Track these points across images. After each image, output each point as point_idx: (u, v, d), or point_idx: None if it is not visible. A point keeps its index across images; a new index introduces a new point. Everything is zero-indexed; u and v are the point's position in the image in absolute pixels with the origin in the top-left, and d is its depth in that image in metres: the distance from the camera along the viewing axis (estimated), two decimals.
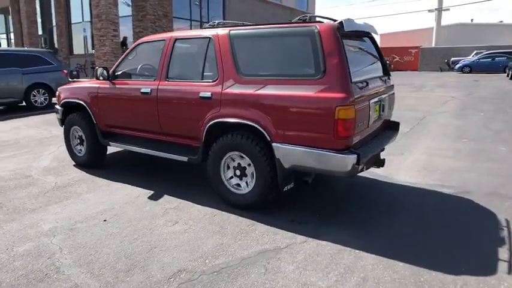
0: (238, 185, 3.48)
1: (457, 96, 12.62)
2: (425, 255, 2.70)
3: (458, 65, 26.22)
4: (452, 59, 28.59)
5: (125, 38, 14.37)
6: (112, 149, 5.06)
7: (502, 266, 2.55)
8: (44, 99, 9.55)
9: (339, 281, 2.40)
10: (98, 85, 4.36)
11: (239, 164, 3.42)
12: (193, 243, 2.89)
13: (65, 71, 9.74)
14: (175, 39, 3.81)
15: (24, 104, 9.53)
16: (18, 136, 6.75)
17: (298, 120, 3.00)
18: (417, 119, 8.17)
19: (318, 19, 3.29)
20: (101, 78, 4.28)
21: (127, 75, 4.21)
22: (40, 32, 19.49)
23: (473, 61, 25.45)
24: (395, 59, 33.48)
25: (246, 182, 3.42)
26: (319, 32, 2.96)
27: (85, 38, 14.00)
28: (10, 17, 21.39)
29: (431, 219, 3.30)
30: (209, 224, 3.22)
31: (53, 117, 7.05)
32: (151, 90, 3.84)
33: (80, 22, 15.04)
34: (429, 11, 38.19)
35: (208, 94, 3.43)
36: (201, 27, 16.34)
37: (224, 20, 18.52)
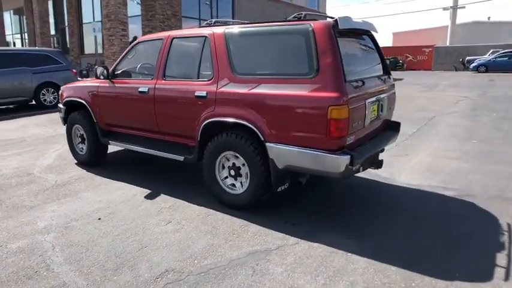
0: (233, 185, 3.45)
1: (469, 96, 12.34)
2: (419, 260, 2.62)
3: (473, 64, 25.65)
4: (468, 58, 27.99)
5: (135, 38, 14.53)
6: (114, 147, 5.09)
7: (499, 273, 2.46)
8: (53, 98, 9.70)
9: (326, 284, 2.35)
10: (98, 84, 4.39)
11: (234, 164, 3.39)
12: (184, 243, 2.88)
13: (74, 70, 9.88)
14: (173, 38, 3.80)
15: (33, 102, 9.70)
16: (25, 134, 6.87)
17: (291, 119, 2.95)
18: (426, 119, 8.01)
19: (313, 17, 3.24)
20: (101, 77, 4.30)
21: (126, 74, 4.22)
22: (52, 32, 19.85)
23: (489, 60, 24.85)
24: (408, 58, 32.97)
25: (241, 182, 3.39)
26: (313, 30, 2.90)
27: (95, 37, 14.19)
28: (24, 18, 21.86)
29: (430, 222, 3.22)
30: (202, 224, 3.20)
31: None
32: (148, 89, 3.84)
33: (91, 22, 15.27)
34: (444, 9, 37.50)
35: (203, 93, 3.41)
36: None
37: (233, 19, 18.55)
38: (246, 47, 3.35)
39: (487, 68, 24.45)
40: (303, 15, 3.14)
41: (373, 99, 3.25)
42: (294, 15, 3.20)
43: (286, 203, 3.59)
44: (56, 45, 20.25)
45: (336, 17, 3.08)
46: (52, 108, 9.60)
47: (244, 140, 3.19)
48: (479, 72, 24.58)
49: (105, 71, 4.24)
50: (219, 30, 3.48)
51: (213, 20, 3.79)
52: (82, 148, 4.83)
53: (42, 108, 9.41)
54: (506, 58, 24.22)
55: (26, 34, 21.82)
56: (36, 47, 14.91)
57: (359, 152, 3.03)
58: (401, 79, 20.97)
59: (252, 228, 3.10)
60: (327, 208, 3.55)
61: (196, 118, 3.48)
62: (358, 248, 2.78)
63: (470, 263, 2.59)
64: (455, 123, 7.66)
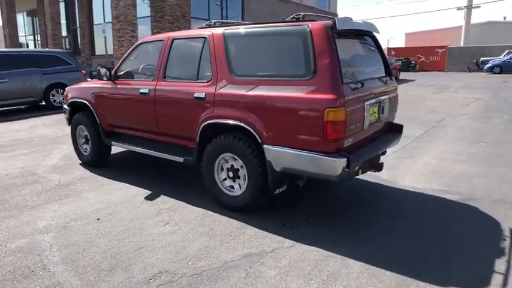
0: (232, 186, 3.44)
1: (481, 97, 12.11)
2: (416, 265, 2.58)
3: (487, 65, 25.15)
4: (482, 58, 27.46)
5: None
6: (118, 148, 5.14)
7: (497, 279, 2.39)
8: (63, 98, 9.83)
9: None
10: (101, 85, 4.44)
11: (232, 166, 3.39)
12: (180, 245, 2.88)
13: (84, 71, 10.02)
14: (173, 39, 3.82)
15: (44, 103, 9.87)
16: (33, 135, 6.99)
17: (288, 122, 2.93)
18: (435, 121, 7.88)
19: (314, 17, 3.21)
20: (105, 78, 4.35)
21: (128, 76, 4.26)
22: (64, 33, 20.20)
23: (504, 61, 24.33)
24: (421, 59, 32.52)
25: (239, 184, 3.38)
26: (310, 31, 2.88)
27: (105, 38, 14.39)
28: (37, 19, 22.31)
29: (430, 226, 3.16)
30: (199, 225, 3.20)
31: None
32: (149, 91, 3.87)
33: (102, 23, 15.49)
34: (458, 8, 36.86)
35: (202, 95, 3.41)
36: None
37: (243, 20, 18.56)
38: (245, 48, 3.34)
39: (502, 69, 23.94)
40: (301, 15, 3.12)
41: (373, 101, 3.20)
42: (292, 16, 3.18)
43: (285, 205, 3.57)
44: (68, 46, 20.59)
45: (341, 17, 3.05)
46: (61, 108, 9.70)
47: (242, 142, 3.18)
48: (494, 74, 24.08)
49: (107, 72, 4.28)
50: (219, 31, 3.48)
51: (213, 21, 3.79)
52: (86, 149, 4.89)
53: (51, 108, 9.56)
54: None
55: (38, 35, 22.28)
56: (46, 48, 15.21)
57: (357, 155, 3.00)
58: (413, 80, 20.72)
59: (248, 231, 3.09)
60: (326, 211, 3.52)
61: (196, 120, 3.48)
62: (355, 251, 2.74)
63: (468, 269, 2.53)
64: (465, 125, 7.52)
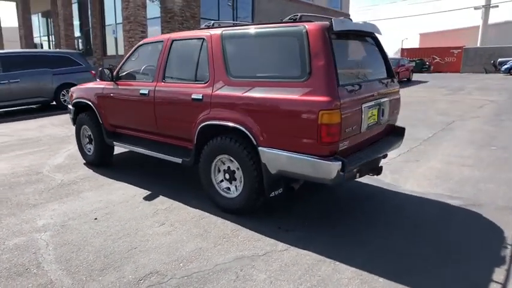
0: (228, 188, 3.43)
1: (496, 100, 11.84)
2: (410, 272, 2.52)
3: (505, 66, 24.60)
4: (500, 59, 26.86)
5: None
6: (122, 148, 5.18)
7: None
8: None
9: None
10: (103, 86, 4.48)
11: (229, 168, 3.37)
12: (173, 246, 2.88)
13: (93, 72, 10.16)
14: (173, 40, 3.83)
15: (54, 103, 10.04)
16: (41, 134, 7.12)
17: (282, 124, 2.90)
18: (444, 124, 7.72)
19: (314, 18, 3.17)
20: (108, 79, 4.39)
21: (129, 76, 4.29)
22: (77, 34, 20.56)
23: None
24: (435, 60, 32.01)
25: (235, 186, 3.37)
26: (306, 32, 2.84)
27: (115, 39, 14.57)
28: (51, 20, 22.77)
29: (428, 232, 3.08)
30: (194, 226, 3.20)
31: None
32: (149, 92, 3.89)
33: (113, 24, 15.70)
34: (475, 8, 36.12)
35: (200, 96, 3.41)
36: None
37: (252, 21, 18.54)
38: (242, 49, 3.33)
39: None
40: (298, 16, 3.08)
41: (372, 103, 3.15)
42: (289, 17, 3.14)
43: (283, 208, 3.54)
44: (80, 47, 20.94)
45: (347, 17, 3.02)
46: None
47: (238, 143, 3.17)
48: None
49: (109, 73, 4.32)
50: (217, 32, 3.47)
51: (212, 22, 3.79)
52: (90, 148, 4.94)
53: (62, 108, 9.73)
54: None
55: (52, 36, 22.74)
56: (57, 49, 15.45)
57: (354, 158, 2.95)
58: (425, 82, 20.40)
59: (243, 233, 3.07)
60: (324, 214, 3.47)
61: (193, 121, 3.48)
62: (349, 257, 2.69)
63: (465, 277, 2.46)
64: (475, 128, 7.35)
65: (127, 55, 4.41)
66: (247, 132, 3.07)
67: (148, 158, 4.10)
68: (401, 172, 4.65)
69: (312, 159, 2.77)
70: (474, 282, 2.40)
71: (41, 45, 25.30)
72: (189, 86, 3.58)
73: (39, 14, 25.63)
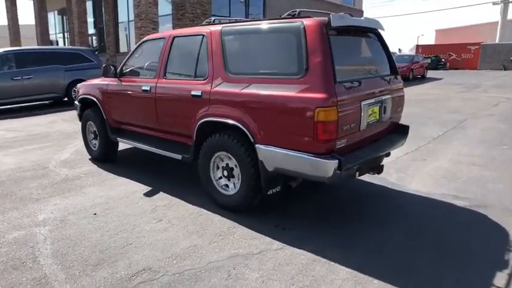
0: (227, 185, 3.41)
1: None
2: (407, 275, 2.45)
3: None
4: None
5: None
6: (127, 144, 5.22)
7: None
8: None
9: None
10: (107, 82, 4.51)
11: (227, 165, 3.35)
12: (169, 242, 2.88)
13: None
14: (174, 37, 3.82)
15: (66, 99, 10.20)
16: (51, 129, 7.24)
17: (279, 121, 2.86)
18: (456, 122, 7.53)
19: (315, 14, 3.11)
20: (111, 75, 4.41)
21: (132, 73, 4.31)
22: (91, 31, 20.85)
23: None
24: (451, 56, 31.30)
25: (234, 183, 3.34)
26: (304, 28, 2.78)
27: (126, 36, 14.72)
28: (66, 18, 23.16)
29: (429, 234, 3.00)
30: (191, 223, 3.19)
31: None
32: (150, 88, 3.89)
33: (126, 21, 15.88)
34: (494, 3, 35.17)
35: (199, 92, 3.39)
36: None
37: (264, 17, 18.42)
38: (240, 45, 3.29)
39: None
40: (297, 12, 3.03)
41: (372, 100, 3.07)
42: (288, 13, 3.09)
43: (282, 206, 3.50)
44: (95, 44, 21.24)
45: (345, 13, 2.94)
46: None
47: (236, 141, 3.14)
48: None
49: (113, 70, 4.34)
50: (217, 28, 3.44)
51: (213, 19, 3.76)
52: (95, 144, 4.99)
53: (73, 104, 9.85)
54: None
55: (67, 33, 23.13)
56: (69, 46, 15.67)
57: (352, 157, 2.88)
58: (440, 79, 19.96)
59: (239, 231, 3.05)
60: (323, 213, 3.42)
61: (193, 117, 3.47)
62: (345, 257, 2.64)
63: (464, 282, 2.38)
64: (488, 127, 7.14)
65: (131, 52, 4.42)
66: (244, 129, 3.04)
67: (153, 155, 4.11)
68: (407, 171, 4.55)
69: (309, 157, 2.72)
70: (474, 286, 2.32)
71: (57, 42, 25.76)
72: (189, 83, 3.56)
73: (55, 11, 26.09)
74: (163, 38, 3.93)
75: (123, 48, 18.34)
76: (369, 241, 2.89)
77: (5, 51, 9.44)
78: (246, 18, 14.76)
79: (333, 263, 2.58)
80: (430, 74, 22.14)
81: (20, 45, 19.85)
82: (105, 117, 4.62)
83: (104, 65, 4.44)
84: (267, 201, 3.37)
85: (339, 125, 2.69)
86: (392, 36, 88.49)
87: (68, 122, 7.99)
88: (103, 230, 3.09)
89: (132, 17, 15.49)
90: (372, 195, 3.84)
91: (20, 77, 9.16)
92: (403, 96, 3.69)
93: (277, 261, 2.61)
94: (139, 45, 4.31)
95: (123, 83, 4.31)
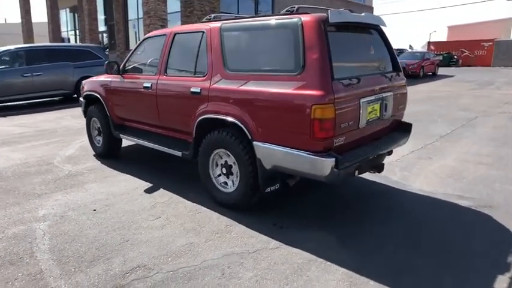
0: (226, 183, 3.39)
1: None
2: (404, 276, 2.39)
3: None
4: None
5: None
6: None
7: None
8: None
9: None
10: (110, 79, 4.53)
11: (226, 162, 3.33)
12: (165, 240, 2.87)
13: None
14: (175, 34, 3.81)
15: (75, 95, 10.30)
16: (58, 125, 7.32)
17: (276, 118, 2.82)
18: (465, 120, 7.38)
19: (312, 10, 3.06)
20: (114, 72, 4.43)
21: (134, 70, 4.32)
22: (102, 29, 21.04)
23: None
24: (464, 53, 30.74)
25: (232, 181, 3.32)
26: (301, 24, 2.74)
27: (135, 33, 14.80)
28: (77, 15, 23.40)
29: (430, 234, 2.93)
30: (189, 221, 3.18)
31: None
32: (151, 85, 3.89)
33: (135, 19, 15.96)
34: None
35: (198, 89, 3.37)
36: None
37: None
38: (239, 42, 3.26)
39: None
40: (295, 8, 2.97)
41: (372, 98, 3.01)
42: (286, 9, 3.04)
43: (281, 204, 3.46)
44: (105, 41, 21.43)
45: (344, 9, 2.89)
46: None
47: (234, 138, 3.11)
48: None
49: (116, 67, 4.35)
50: (216, 25, 3.41)
51: (213, 15, 3.73)
52: (99, 140, 5.02)
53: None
54: None
55: (79, 31, 23.38)
56: (79, 43, 15.81)
57: (350, 155, 2.83)
58: (451, 76, 19.62)
59: (236, 229, 3.03)
60: (323, 212, 3.37)
61: (193, 114, 3.45)
62: (341, 257, 2.59)
63: (463, 282, 2.32)
64: (499, 125, 6.98)
65: (133, 49, 4.43)
66: (242, 126, 3.01)
67: (156, 151, 4.11)
68: (412, 169, 4.46)
69: (305, 155, 2.68)
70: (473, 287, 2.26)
71: (68, 39, 26.07)
72: (188, 80, 3.55)
73: (67, 9, 26.39)
74: (165, 35, 3.92)
75: (132, 45, 18.44)
76: (368, 241, 2.84)
77: (15, 48, 9.58)
78: (255, 15, 14.69)
79: (329, 263, 2.54)
80: (441, 71, 21.77)
81: (33, 42, 20.14)
82: (108, 114, 4.64)
83: (106, 62, 4.45)
84: (266, 200, 3.34)
85: (336, 123, 2.64)
86: (404, 33, 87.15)
87: (75, 118, 8.07)
88: (101, 227, 3.10)
89: (141, 15, 15.56)
90: (374, 193, 3.78)
91: (29, 74, 9.29)
92: (406, 93, 3.62)
93: (272, 260, 2.58)
94: (141, 42, 4.32)
95: (125, 80, 4.32)
